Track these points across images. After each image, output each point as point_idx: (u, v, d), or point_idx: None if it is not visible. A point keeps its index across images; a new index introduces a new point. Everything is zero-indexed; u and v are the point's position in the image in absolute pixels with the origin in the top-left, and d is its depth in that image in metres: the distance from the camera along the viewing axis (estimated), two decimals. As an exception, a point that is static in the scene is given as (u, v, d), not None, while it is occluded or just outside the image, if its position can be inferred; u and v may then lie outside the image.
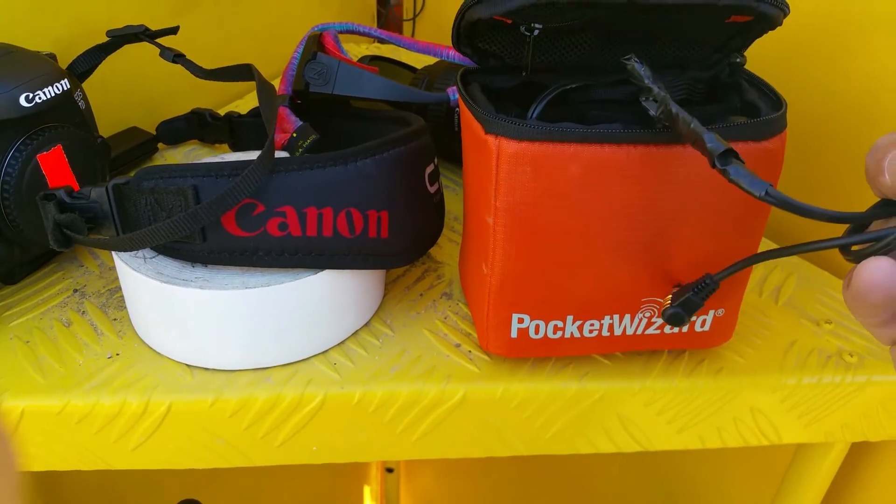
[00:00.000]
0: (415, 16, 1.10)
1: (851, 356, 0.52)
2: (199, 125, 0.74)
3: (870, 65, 0.59)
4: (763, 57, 0.56)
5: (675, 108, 0.37)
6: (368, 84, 0.63)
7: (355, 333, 0.52)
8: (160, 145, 0.74)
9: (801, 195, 0.35)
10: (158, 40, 0.60)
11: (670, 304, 0.43)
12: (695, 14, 0.43)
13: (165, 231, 0.43)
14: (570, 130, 0.40)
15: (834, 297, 0.58)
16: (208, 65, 0.76)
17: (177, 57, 0.59)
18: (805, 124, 0.64)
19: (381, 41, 0.70)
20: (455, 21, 0.44)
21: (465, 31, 0.45)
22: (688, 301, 0.42)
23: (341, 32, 0.69)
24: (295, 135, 0.59)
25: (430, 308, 0.55)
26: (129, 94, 0.73)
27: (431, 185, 0.53)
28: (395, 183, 0.48)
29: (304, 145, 0.58)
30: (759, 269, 0.61)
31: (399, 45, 0.70)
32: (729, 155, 0.34)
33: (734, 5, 0.40)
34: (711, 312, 0.47)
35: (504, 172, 0.42)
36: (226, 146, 0.75)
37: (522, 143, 0.41)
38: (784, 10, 0.41)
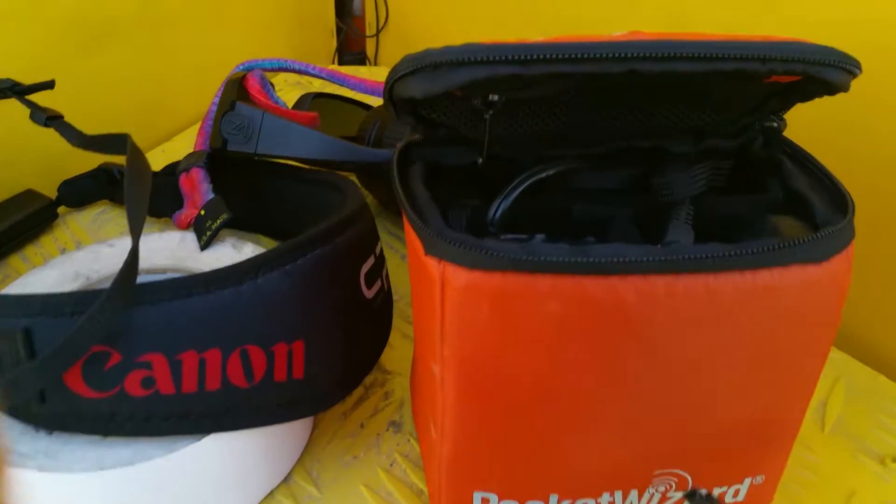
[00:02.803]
0: (378, 31, 0.96)
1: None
2: (109, 183, 0.61)
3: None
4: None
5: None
6: (300, 141, 0.50)
7: (270, 494, 0.39)
8: (62, 209, 0.61)
9: None
10: (31, 97, 0.47)
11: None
12: (719, 76, 0.30)
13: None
14: (546, 259, 0.27)
15: (896, 412, 0.45)
16: (123, 109, 0.64)
17: (50, 119, 0.46)
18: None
19: (320, 78, 0.57)
20: (384, 89, 0.31)
21: (399, 102, 0.32)
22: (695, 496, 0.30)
23: (271, 71, 0.56)
24: (203, 212, 0.46)
25: (372, 448, 0.42)
26: (21, 151, 0.60)
27: (370, 286, 0.40)
28: (314, 299, 0.36)
29: (215, 227, 0.45)
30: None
31: (343, 86, 0.57)
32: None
33: (784, 70, 0.27)
34: (747, 481, 0.34)
35: (452, 311, 0.29)
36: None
37: (476, 273, 0.28)
38: (854, 72, 0.28)
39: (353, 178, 0.65)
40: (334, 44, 1.01)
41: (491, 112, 0.31)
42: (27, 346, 0.32)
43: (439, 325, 0.30)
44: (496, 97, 0.30)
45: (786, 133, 0.35)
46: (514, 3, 0.72)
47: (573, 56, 0.25)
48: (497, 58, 0.25)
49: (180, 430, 0.33)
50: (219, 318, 0.32)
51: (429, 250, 0.29)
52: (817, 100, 0.32)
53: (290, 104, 0.61)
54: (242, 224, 0.59)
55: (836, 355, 0.50)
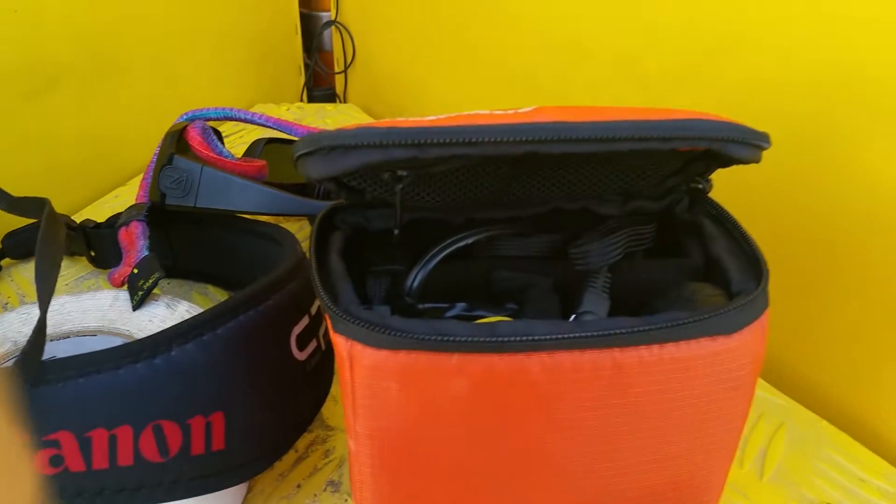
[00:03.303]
0: (346, 68, 0.96)
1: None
2: (55, 232, 0.61)
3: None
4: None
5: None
6: (241, 194, 0.50)
7: (197, 565, 0.38)
8: (5, 261, 0.60)
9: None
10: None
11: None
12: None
13: None
14: (451, 338, 0.27)
15: (836, 462, 0.45)
16: (77, 154, 0.63)
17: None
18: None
19: (267, 127, 0.56)
20: (292, 160, 0.30)
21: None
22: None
23: (216, 120, 0.56)
24: (136, 271, 0.46)
25: (307, 510, 0.41)
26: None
27: (303, 347, 0.39)
28: (235, 369, 0.35)
29: (147, 286, 0.45)
30: (741, 422, 0.47)
31: (290, 134, 0.56)
32: None
33: (688, 146, 0.27)
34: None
35: (361, 388, 0.29)
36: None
37: (383, 353, 0.28)
38: (762, 146, 0.28)
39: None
40: (302, 80, 1.01)
41: (401, 186, 0.30)
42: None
43: (351, 401, 0.29)
44: (404, 172, 0.30)
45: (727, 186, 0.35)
46: (479, 40, 0.72)
47: (471, 140, 0.25)
48: (392, 142, 0.25)
49: (92, 508, 0.32)
50: (130, 395, 0.32)
51: (337, 328, 0.28)
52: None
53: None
54: (194, 275, 0.58)
55: (781, 400, 0.50)
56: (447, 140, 0.25)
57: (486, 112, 0.28)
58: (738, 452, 0.45)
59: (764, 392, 0.50)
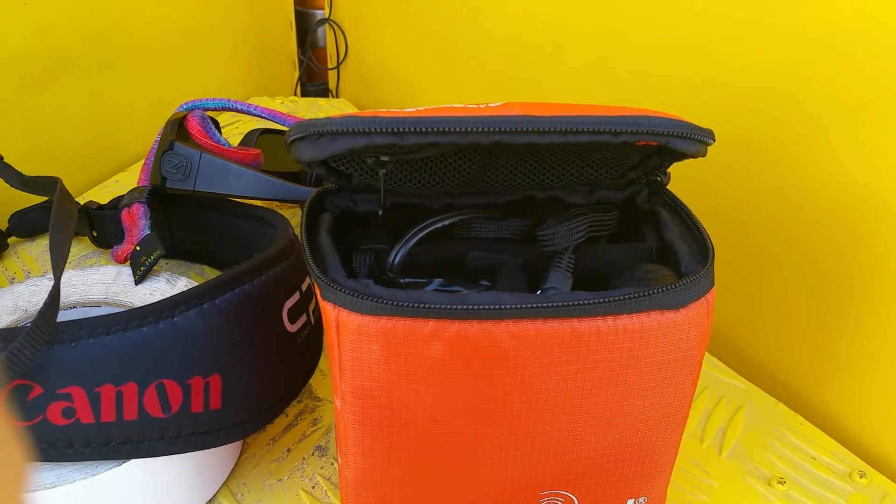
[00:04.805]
0: (338, 64, 1.00)
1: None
2: (59, 214, 0.64)
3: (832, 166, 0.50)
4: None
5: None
6: (237, 180, 0.53)
7: (193, 516, 0.41)
8: (12, 239, 0.63)
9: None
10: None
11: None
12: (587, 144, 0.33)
13: None
14: (427, 305, 0.30)
15: (790, 441, 0.49)
16: (78, 141, 0.66)
17: (-9, 161, 0.49)
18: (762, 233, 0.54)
19: (263, 118, 0.59)
20: (286, 148, 0.34)
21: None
22: None
23: (214, 110, 0.59)
24: (139, 248, 0.49)
25: (296, 471, 0.45)
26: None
27: (294, 321, 0.43)
28: (232, 336, 0.38)
29: (149, 262, 0.48)
30: (701, 402, 0.51)
31: (284, 125, 0.60)
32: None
33: (636, 140, 0.30)
34: (630, 502, 0.37)
35: (346, 351, 0.32)
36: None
37: (366, 318, 0.31)
38: (706, 142, 0.32)
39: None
40: (296, 75, 1.04)
41: (384, 170, 0.34)
42: (-46, 378, 0.34)
43: (337, 362, 0.33)
44: (386, 158, 0.33)
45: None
46: (462, 41, 0.76)
47: (443, 129, 0.28)
48: (374, 129, 0.28)
49: (101, 455, 0.35)
50: (135, 355, 0.35)
51: (325, 296, 0.32)
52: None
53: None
54: (189, 255, 0.61)
55: (741, 384, 0.53)
56: (423, 129, 0.28)
57: (460, 105, 0.31)
58: (698, 430, 0.49)
59: (725, 376, 0.54)
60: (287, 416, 0.48)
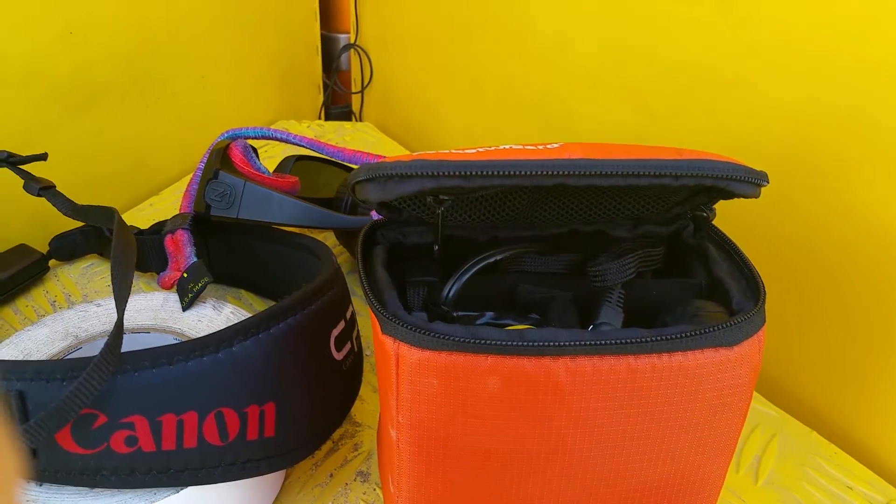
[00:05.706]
0: (363, 88, 1.01)
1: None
2: (97, 238, 0.65)
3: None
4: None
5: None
6: (279, 208, 0.54)
7: (241, 542, 0.42)
8: (53, 262, 0.64)
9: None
10: (25, 167, 0.51)
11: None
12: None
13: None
14: (485, 342, 0.31)
15: (824, 470, 0.49)
16: (115, 166, 0.67)
17: (43, 190, 0.50)
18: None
19: (300, 146, 0.61)
20: (348, 187, 0.35)
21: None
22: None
23: (254, 139, 0.60)
24: (186, 275, 0.50)
25: (339, 497, 0.45)
26: (15, 208, 0.63)
27: (340, 349, 0.44)
28: (285, 364, 0.39)
29: (196, 288, 0.49)
30: (734, 430, 0.52)
31: (321, 153, 0.61)
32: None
33: (695, 182, 0.31)
34: (673, 535, 0.38)
35: (405, 384, 0.33)
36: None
37: (427, 353, 0.32)
38: (762, 184, 0.33)
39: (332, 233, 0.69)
40: (321, 99, 1.06)
41: (442, 208, 0.35)
42: (21, 407, 0.35)
43: (395, 395, 0.33)
44: (446, 197, 0.34)
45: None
46: (487, 71, 0.77)
47: (510, 173, 0.29)
48: (443, 172, 0.29)
49: (160, 483, 0.36)
50: (196, 384, 0.36)
51: (385, 330, 0.33)
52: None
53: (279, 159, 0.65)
54: (227, 280, 0.62)
55: (774, 413, 0.54)
56: (490, 172, 0.29)
57: (519, 147, 0.32)
58: (735, 458, 0.50)
59: (759, 405, 0.54)
60: (331, 440, 0.49)
